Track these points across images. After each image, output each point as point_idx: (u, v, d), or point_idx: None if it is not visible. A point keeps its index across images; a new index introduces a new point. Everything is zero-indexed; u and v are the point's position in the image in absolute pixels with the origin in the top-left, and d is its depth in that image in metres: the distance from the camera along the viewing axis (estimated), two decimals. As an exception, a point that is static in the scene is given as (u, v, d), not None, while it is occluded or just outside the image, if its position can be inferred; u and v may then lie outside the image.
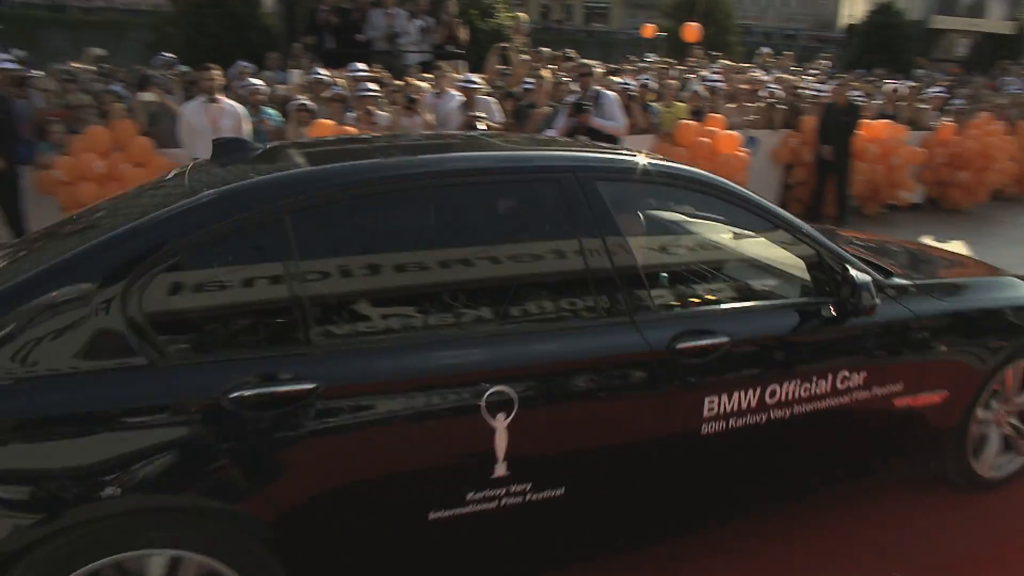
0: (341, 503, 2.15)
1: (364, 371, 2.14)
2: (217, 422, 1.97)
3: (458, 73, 9.08)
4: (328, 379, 2.07)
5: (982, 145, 10.20)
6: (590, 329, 2.43)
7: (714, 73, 10.33)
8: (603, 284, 2.45)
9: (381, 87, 8.72)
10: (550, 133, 7.18)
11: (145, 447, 1.91)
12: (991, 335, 3.22)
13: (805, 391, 2.71)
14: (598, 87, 7.60)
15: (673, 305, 2.71)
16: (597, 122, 7.04)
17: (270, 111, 7.73)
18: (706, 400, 2.52)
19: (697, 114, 8.68)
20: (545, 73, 8.58)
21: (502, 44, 11.20)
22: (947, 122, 10.53)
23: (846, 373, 2.78)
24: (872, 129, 9.46)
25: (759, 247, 3.02)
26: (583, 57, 14.45)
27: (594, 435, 2.44)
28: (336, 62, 9.64)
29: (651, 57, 13.14)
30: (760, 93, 9.99)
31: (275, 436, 2.03)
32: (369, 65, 9.42)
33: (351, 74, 8.58)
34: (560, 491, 2.38)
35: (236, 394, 1.98)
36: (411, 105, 7.77)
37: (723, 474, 2.73)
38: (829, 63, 14.44)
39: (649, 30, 16.49)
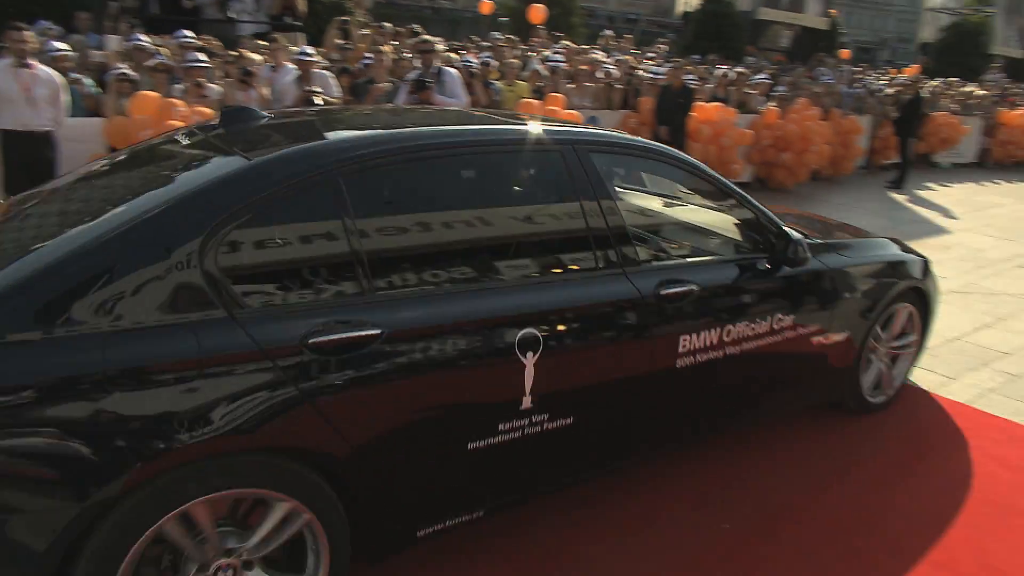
0: (396, 438, 2.34)
1: (419, 317, 2.35)
2: (298, 367, 2.11)
3: (295, 46, 8.68)
4: (390, 325, 2.26)
5: (802, 129, 10.94)
6: (593, 279, 2.78)
7: (556, 53, 10.45)
8: (600, 241, 2.80)
9: (211, 58, 8.21)
10: None
11: (230, 393, 2.02)
12: (877, 285, 3.84)
13: (751, 331, 3.21)
14: (440, 64, 7.49)
15: (652, 259, 3.07)
16: (439, 99, 6.93)
17: (86, 80, 7.07)
18: (680, 338, 2.95)
19: (538, 93, 8.75)
20: (386, 48, 8.35)
21: (343, 18, 10.80)
22: (772, 107, 11.22)
23: (780, 316, 3.32)
24: (705, 111, 9.92)
25: (713, 210, 3.52)
26: (428, 34, 14.30)
27: (596, 370, 2.78)
28: (159, 29, 8.95)
29: (496, 36, 13.09)
30: (598, 74, 10.20)
31: (346, 378, 2.19)
32: (197, 34, 8.81)
33: (177, 42, 7.98)
34: (569, 420, 2.71)
35: (315, 340, 2.13)
36: (246, 78, 7.34)
37: (691, 401, 3.19)
38: (666, 47, 15.00)
39: (487, 7, 16.48)
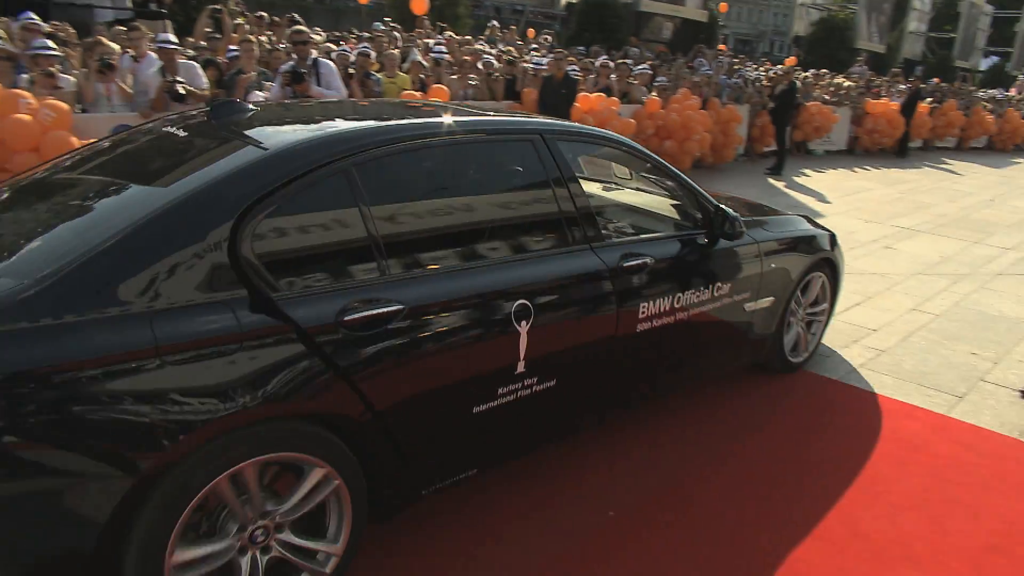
0: (411, 403, 2.54)
1: (431, 293, 2.58)
2: (332, 342, 2.30)
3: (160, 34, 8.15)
4: (408, 301, 2.48)
5: (683, 118, 11.18)
6: (568, 254, 3.06)
7: (438, 45, 10.28)
8: (571, 221, 3.11)
9: (62, 46, 7.61)
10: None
11: (271, 365, 2.18)
12: (795, 256, 4.29)
13: (697, 298, 3.58)
14: (316, 56, 7.21)
15: (612, 236, 3.38)
16: (316, 90, 6.69)
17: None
18: (640, 305, 3.27)
19: (420, 84, 8.57)
20: (253, 39, 7.95)
21: (214, 6, 10.26)
22: (653, 97, 11.41)
23: (720, 284, 3.70)
24: (587, 101, 9.98)
25: (659, 191, 3.94)
26: (310, 25, 13.82)
27: (575, 335, 3.06)
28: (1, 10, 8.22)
29: (378, 26, 12.78)
30: (480, 65, 10.10)
31: (372, 350, 2.39)
32: (46, 19, 8.15)
33: (19, 25, 7.34)
34: (552, 382, 2.98)
35: (349, 317, 2.33)
36: (105, 69, 6.84)
37: (650, 362, 3.54)
38: (549, 38, 15.04)
39: (364, -3, 16.13)
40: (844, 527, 3.08)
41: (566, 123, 3.59)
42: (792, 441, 3.79)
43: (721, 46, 22.92)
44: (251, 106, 3.03)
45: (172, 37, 7.19)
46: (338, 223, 2.51)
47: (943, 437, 3.92)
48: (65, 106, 6.52)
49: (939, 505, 3.30)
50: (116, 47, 7.39)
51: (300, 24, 9.97)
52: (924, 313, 5.99)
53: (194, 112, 3.20)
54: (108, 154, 2.89)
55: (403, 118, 3.01)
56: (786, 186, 11.84)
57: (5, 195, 2.71)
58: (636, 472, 3.42)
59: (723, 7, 29.47)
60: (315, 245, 2.47)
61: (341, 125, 2.79)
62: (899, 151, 16.86)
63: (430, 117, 3.02)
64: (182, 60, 7.06)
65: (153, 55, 7.06)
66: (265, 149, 2.43)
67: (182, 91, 6.66)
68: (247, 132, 2.67)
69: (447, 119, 2.96)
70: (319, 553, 2.45)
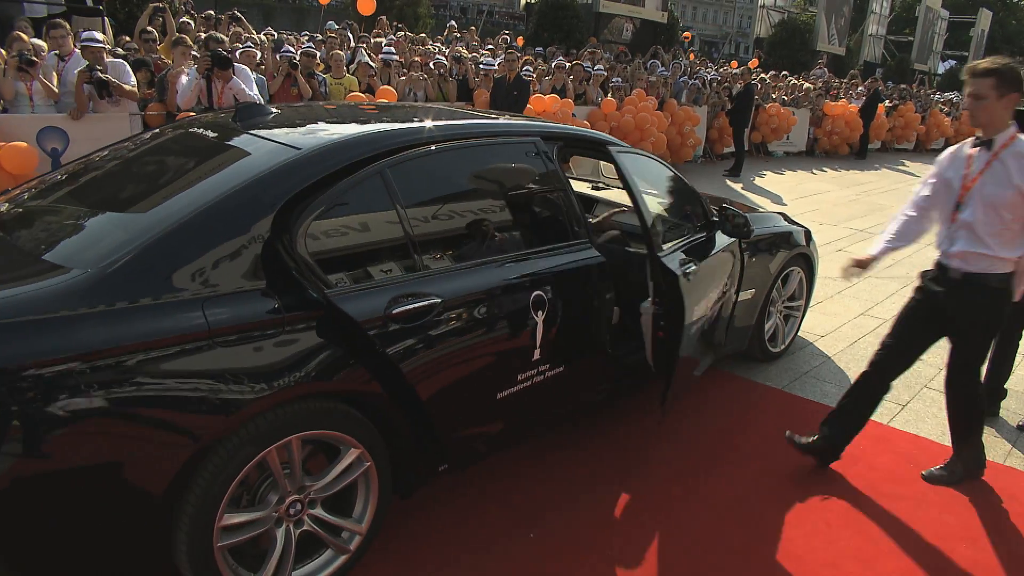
0: (442, 387, 2.70)
1: (463, 286, 2.76)
2: (374, 330, 2.47)
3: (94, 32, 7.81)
4: (444, 294, 2.66)
5: (637, 119, 11.07)
6: (573, 248, 3.24)
7: (387, 45, 10.04)
8: (576, 219, 3.32)
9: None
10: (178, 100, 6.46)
11: (312, 349, 2.35)
12: (777, 250, 4.55)
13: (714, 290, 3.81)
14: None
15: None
16: (234, 83, 6.36)
17: None
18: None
19: (367, 86, 8.34)
20: (187, 38, 7.66)
21: (156, 4, 9.92)
22: (609, 99, 11.29)
23: (727, 278, 3.97)
24: (541, 103, 9.81)
25: (671, 192, 4.06)
26: (276, 25, 13.52)
27: (582, 321, 3.25)
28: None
29: (332, 26, 12.49)
30: (431, 65, 9.90)
31: (414, 339, 2.58)
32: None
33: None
34: (562, 368, 3.16)
35: (397, 309, 2.51)
36: (26, 67, 6.50)
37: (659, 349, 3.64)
38: (507, 39, 14.88)
39: (323, -4, 15.89)
40: (774, 548, 2.93)
41: (564, 127, 3.77)
42: (720, 454, 3.64)
43: (687, 34, 23.06)
44: (273, 109, 3.20)
45: (98, 35, 6.86)
46: (370, 220, 2.68)
47: (883, 448, 3.79)
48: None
49: (873, 522, 3.17)
50: (42, 43, 7.05)
51: (240, 21, 9.72)
52: (873, 318, 5.90)
53: (219, 114, 3.40)
54: (144, 150, 3.07)
55: (423, 120, 3.14)
56: (744, 188, 11.79)
57: (59, 186, 2.89)
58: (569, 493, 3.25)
59: (687, 35, 29.64)
60: (351, 241, 2.64)
61: (366, 127, 2.95)
62: (858, 153, 16.96)
63: (447, 120, 3.21)
64: (110, 59, 6.75)
65: (79, 54, 6.75)
66: (297, 149, 2.58)
67: (103, 78, 6.34)
68: (274, 133, 2.81)
69: (459, 122, 3.22)
70: (344, 531, 2.61)
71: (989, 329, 3.34)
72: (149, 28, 8.59)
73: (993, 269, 3.18)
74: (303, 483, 2.45)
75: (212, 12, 10.94)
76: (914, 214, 3.41)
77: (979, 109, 3.10)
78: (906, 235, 3.42)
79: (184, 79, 6.42)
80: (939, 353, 5.08)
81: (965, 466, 3.55)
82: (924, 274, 3.40)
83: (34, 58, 6.57)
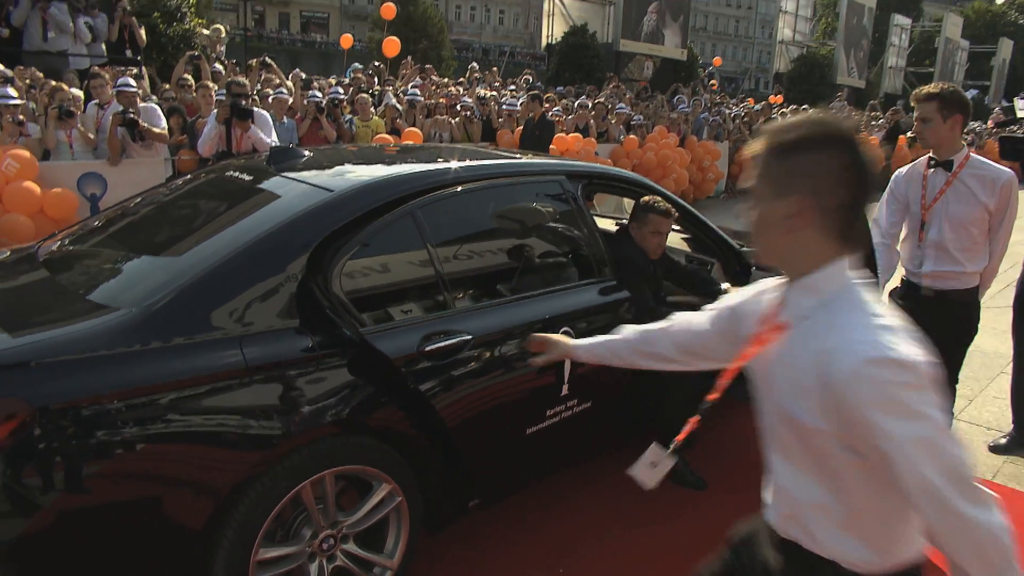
0: (473, 424, 2.75)
1: (492, 323, 2.84)
2: (408, 367, 2.56)
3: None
4: (474, 331, 2.74)
5: (659, 156, 11.19)
6: (602, 286, 3.32)
7: (413, 87, 10.28)
8: (600, 256, 3.38)
9: (31, 91, 7.59)
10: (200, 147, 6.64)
11: (346, 385, 2.43)
12: None
13: None
14: (251, 107, 6.85)
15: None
16: (253, 133, 6.50)
17: None
18: None
19: (393, 128, 8.54)
20: (211, 84, 7.92)
21: (192, 52, 10.25)
22: (631, 136, 11.43)
23: None
24: (564, 142, 9.97)
25: (696, 230, 4.04)
26: (302, 69, 13.86)
27: None
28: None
29: (357, 67, 12.80)
30: (458, 107, 10.10)
31: (445, 376, 2.64)
32: (24, 65, 8.10)
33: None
34: (589, 403, 3.20)
35: (429, 347, 2.60)
36: (65, 117, 6.76)
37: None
38: (529, 79, 15.14)
39: (346, 40, 16.31)
40: None
41: (586, 165, 3.82)
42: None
43: (716, 60, 23.29)
44: (305, 152, 3.31)
45: (131, 81, 7.14)
46: (401, 259, 2.81)
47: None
48: (30, 155, 6.45)
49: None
50: (78, 93, 7.34)
51: (271, 66, 10.00)
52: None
53: (252, 159, 3.52)
54: (181, 194, 3.19)
55: (449, 161, 3.21)
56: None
57: (101, 230, 3.02)
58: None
59: (716, 61, 30.17)
60: (383, 280, 2.77)
61: (395, 169, 3.02)
62: (881, 185, 16.91)
63: (475, 160, 3.29)
64: (143, 104, 7.00)
65: (116, 102, 7.01)
66: (330, 191, 2.65)
67: (133, 118, 6.55)
68: (307, 176, 2.90)
69: (484, 163, 3.28)
70: (376, 566, 2.63)
71: (965, 343, 3.50)
72: (185, 76, 8.90)
73: (963, 284, 3.37)
74: (336, 518, 2.49)
75: (255, 60, 11.24)
76: (888, 242, 3.49)
77: (927, 131, 3.30)
78: (892, 264, 3.50)
79: (206, 126, 6.59)
80: (969, 384, 5.09)
81: None
82: (893, 293, 3.48)
83: (72, 108, 6.85)
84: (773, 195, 1.38)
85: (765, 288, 1.58)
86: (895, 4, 43.75)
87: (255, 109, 6.68)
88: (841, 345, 1.28)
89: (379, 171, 2.96)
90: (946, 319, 3.29)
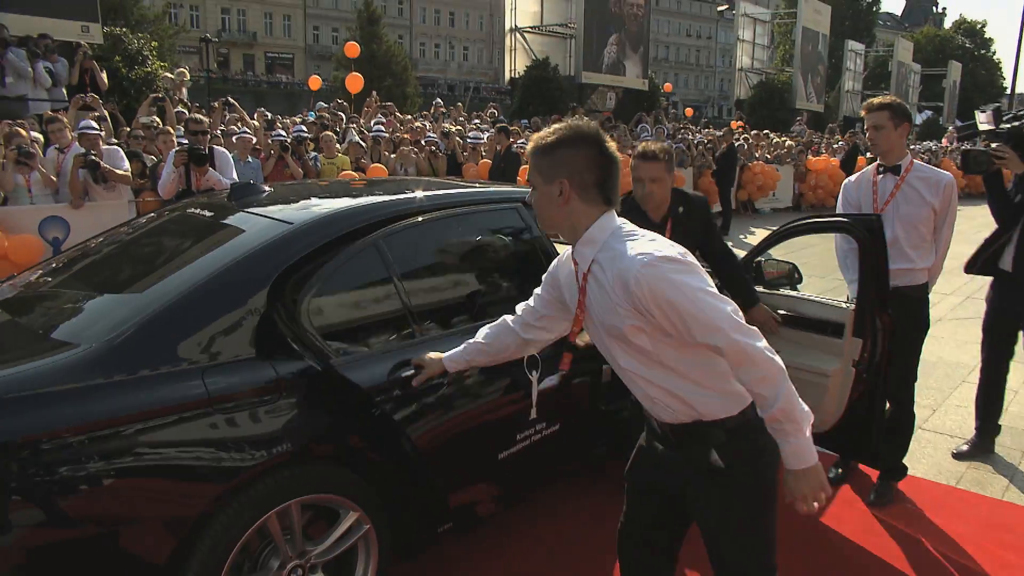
0: (445, 450, 2.76)
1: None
2: (381, 397, 2.57)
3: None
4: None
5: (624, 183, 11.32)
6: None
7: (376, 123, 10.36)
8: None
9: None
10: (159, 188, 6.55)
11: (309, 414, 2.44)
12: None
13: None
14: (213, 145, 6.85)
15: None
16: (212, 176, 6.33)
17: None
18: None
19: (358, 165, 8.59)
20: (171, 130, 7.93)
21: (156, 95, 10.25)
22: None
23: None
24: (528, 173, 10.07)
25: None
26: (268, 109, 13.92)
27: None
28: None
29: (321, 105, 12.88)
30: (423, 142, 10.19)
31: (413, 403, 2.66)
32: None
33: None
34: (556, 426, 3.19)
35: (396, 375, 2.61)
36: (24, 159, 6.70)
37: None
38: (494, 112, 15.32)
39: (314, 82, 16.47)
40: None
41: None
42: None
43: (667, 86, 23.83)
44: (267, 188, 3.37)
45: (93, 123, 7.11)
46: (366, 289, 2.84)
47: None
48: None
49: (870, 563, 3.19)
50: (37, 136, 7.30)
51: (234, 107, 10.02)
52: (864, 364, 5.97)
53: (214, 195, 3.54)
54: (143, 232, 3.20)
55: (408, 193, 3.22)
56: (733, 245, 11.95)
57: (62, 268, 3.04)
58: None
59: (667, 87, 30.79)
60: (347, 310, 2.80)
61: (355, 200, 3.07)
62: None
63: (432, 191, 3.28)
64: (105, 147, 6.98)
65: (77, 144, 6.98)
66: (289, 224, 2.68)
67: (95, 160, 6.46)
68: (268, 210, 2.92)
69: (444, 192, 3.27)
70: None
71: (920, 336, 3.69)
72: (145, 120, 8.89)
73: (915, 280, 3.59)
74: (304, 548, 2.47)
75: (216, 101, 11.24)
76: (850, 246, 3.61)
77: (880, 137, 3.54)
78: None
79: (164, 169, 6.49)
80: (933, 394, 5.18)
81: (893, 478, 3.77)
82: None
83: (31, 150, 6.78)
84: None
85: (563, 256, 2.10)
86: (848, 31, 45.01)
87: (215, 148, 6.63)
88: (626, 263, 1.76)
89: (339, 203, 2.99)
90: (902, 314, 3.43)
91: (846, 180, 3.85)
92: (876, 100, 3.57)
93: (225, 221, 2.94)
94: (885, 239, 3.26)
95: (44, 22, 10.72)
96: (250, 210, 2.94)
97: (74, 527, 2.00)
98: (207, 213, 3.10)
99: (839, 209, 3.77)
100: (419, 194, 3.16)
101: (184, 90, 12.14)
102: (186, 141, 6.58)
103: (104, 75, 10.67)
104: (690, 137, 15.73)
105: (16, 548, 1.93)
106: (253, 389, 2.32)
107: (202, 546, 2.18)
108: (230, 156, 6.71)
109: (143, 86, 11.76)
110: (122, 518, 2.07)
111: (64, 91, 10.29)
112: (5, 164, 6.69)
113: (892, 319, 3.29)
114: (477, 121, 13.77)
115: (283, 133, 8.31)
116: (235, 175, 6.56)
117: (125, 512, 2.07)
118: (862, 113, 3.63)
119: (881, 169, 3.62)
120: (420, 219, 3.00)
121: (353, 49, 16.46)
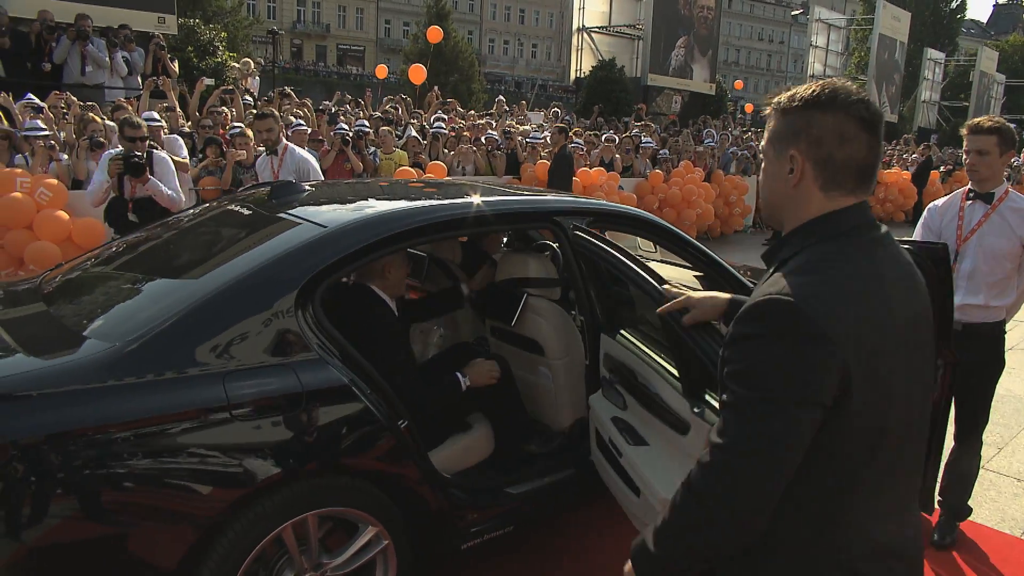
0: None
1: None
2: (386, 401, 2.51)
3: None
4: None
5: (683, 191, 11.13)
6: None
7: (437, 120, 10.36)
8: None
9: (64, 118, 7.78)
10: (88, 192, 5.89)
11: (330, 424, 2.37)
12: None
13: None
14: (154, 147, 5.78)
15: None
16: (152, 184, 5.42)
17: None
18: None
19: (416, 161, 8.60)
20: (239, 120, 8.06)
21: (226, 87, 10.45)
22: (656, 171, 11.39)
23: None
24: (588, 176, 9.95)
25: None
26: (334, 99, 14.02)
27: None
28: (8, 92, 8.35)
29: (388, 98, 12.93)
30: (483, 139, 10.15)
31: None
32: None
33: (20, 104, 7.50)
34: None
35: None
36: (96, 148, 6.90)
37: None
38: (557, 112, 15.20)
39: (381, 71, 16.56)
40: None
41: (578, 200, 3.57)
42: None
43: (748, 107, 23.37)
44: (307, 187, 3.33)
45: (155, 115, 7.31)
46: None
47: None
48: (60, 185, 6.59)
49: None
50: (111, 124, 7.50)
51: (290, 97, 10.11)
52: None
53: (257, 191, 3.51)
54: (179, 229, 3.19)
55: (446, 199, 3.17)
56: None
57: (90, 266, 3.02)
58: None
59: (738, 84, 30.14)
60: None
61: (393, 205, 3.02)
62: (914, 220, 16.67)
63: (465, 197, 3.15)
64: (166, 136, 7.14)
65: (116, 141, 7.11)
66: (323, 227, 2.62)
67: (137, 162, 5.26)
68: (304, 211, 2.86)
69: (478, 199, 3.08)
70: None
71: (994, 375, 3.41)
72: (219, 107, 9.10)
73: (992, 318, 3.33)
74: (320, 560, 2.42)
75: (282, 91, 11.42)
76: None
77: (983, 164, 3.26)
78: None
79: (97, 175, 5.73)
80: (999, 431, 4.90)
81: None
82: None
83: (102, 139, 6.99)
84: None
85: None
86: (928, 38, 43.40)
87: (155, 152, 5.64)
88: None
89: (377, 207, 2.93)
90: (973, 352, 3.22)
91: (932, 203, 3.58)
92: (984, 122, 3.25)
93: (261, 221, 2.94)
94: (950, 269, 3.06)
95: (124, 13, 11.09)
96: (287, 210, 2.91)
97: (82, 528, 2.00)
98: (245, 211, 3.09)
99: (917, 233, 3.54)
100: (459, 201, 3.08)
101: (250, 80, 12.36)
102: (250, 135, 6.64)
103: (176, 65, 10.93)
104: (755, 144, 15.36)
105: (28, 546, 1.94)
106: (274, 397, 2.27)
107: (215, 554, 2.16)
108: (170, 161, 5.75)
109: (212, 76, 12.01)
110: (131, 521, 2.06)
111: (139, 80, 10.58)
112: (79, 151, 6.89)
113: (954, 354, 3.10)
114: (539, 117, 13.63)
115: (345, 127, 8.36)
116: (177, 183, 5.69)
117: (134, 516, 2.07)
118: (963, 133, 3.34)
119: (971, 195, 3.36)
120: (456, 226, 2.96)
121: (436, 34, 16.52)
